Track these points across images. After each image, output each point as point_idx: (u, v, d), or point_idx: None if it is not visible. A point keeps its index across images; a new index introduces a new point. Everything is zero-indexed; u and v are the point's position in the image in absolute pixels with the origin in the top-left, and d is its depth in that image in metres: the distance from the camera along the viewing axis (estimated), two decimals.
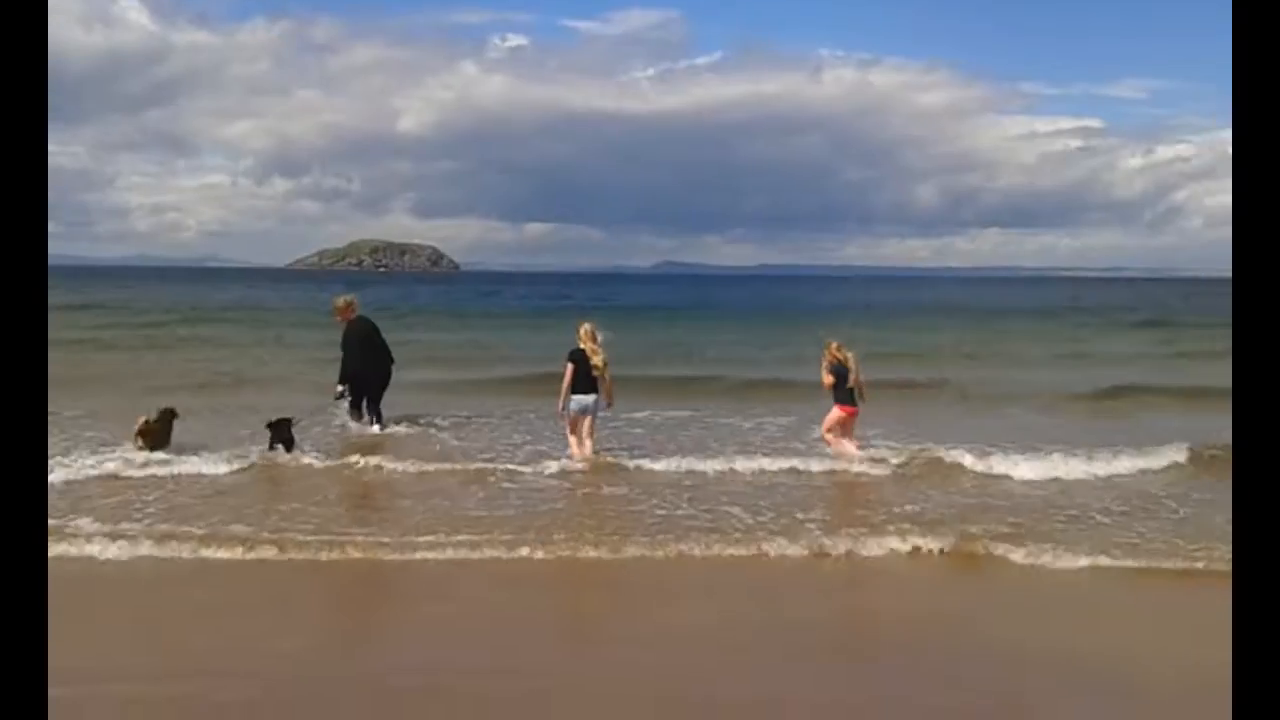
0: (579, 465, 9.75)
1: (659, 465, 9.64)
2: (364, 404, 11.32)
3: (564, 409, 10.00)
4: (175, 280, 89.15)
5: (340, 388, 11.21)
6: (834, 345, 10.32)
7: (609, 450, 10.32)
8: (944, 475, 9.40)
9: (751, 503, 8.26)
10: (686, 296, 69.68)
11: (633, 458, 10.01)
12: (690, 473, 9.38)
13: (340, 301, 11.61)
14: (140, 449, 9.49)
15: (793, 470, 9.52)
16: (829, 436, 10.31)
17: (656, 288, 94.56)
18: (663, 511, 7.97)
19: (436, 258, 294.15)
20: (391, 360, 11.57)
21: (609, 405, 10.25)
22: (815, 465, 9.72)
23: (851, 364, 10.22)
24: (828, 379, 10.25)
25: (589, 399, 9.94)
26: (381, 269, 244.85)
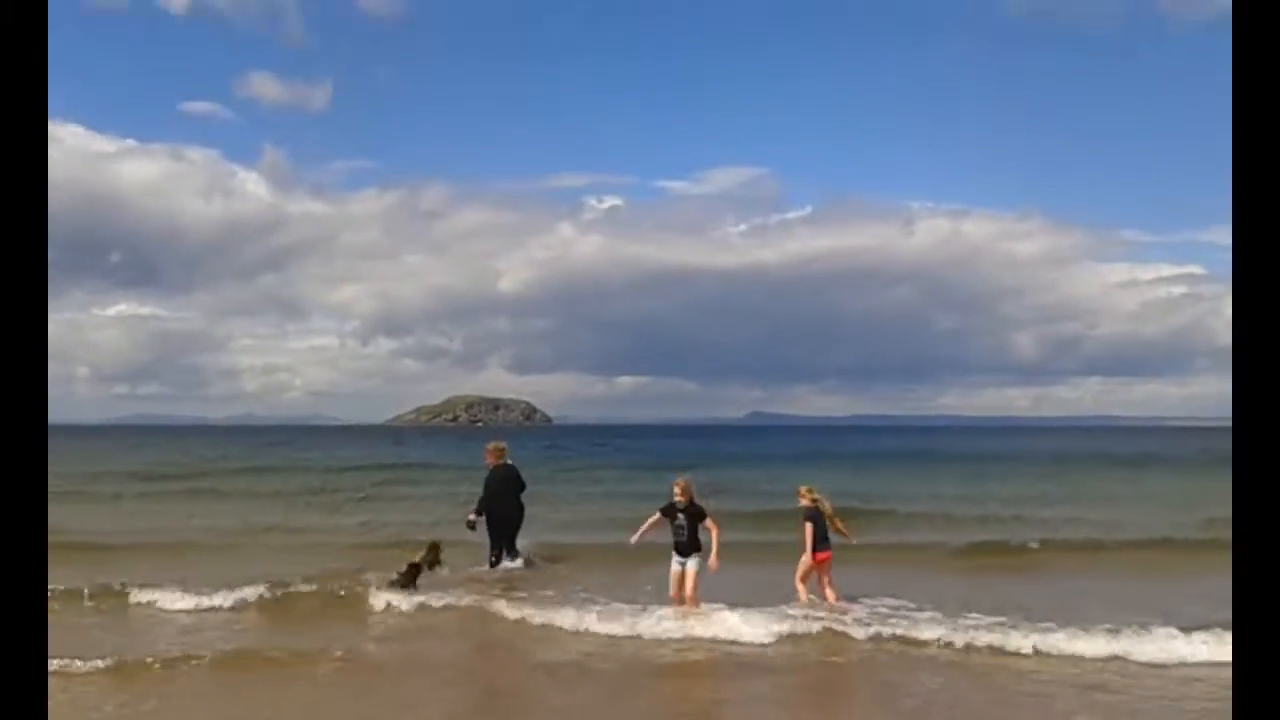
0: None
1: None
2: (499, 542, 12.34)
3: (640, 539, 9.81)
4: (303, 437, 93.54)
5: (472, 517, 12.38)
6: (804, 490, 10.02)
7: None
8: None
9: None
10: (768, 447, 67.60)
11: None
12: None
13: (490, 446, 12.84)
14: (401, 576, 10.70)
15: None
16: (801, 586, 9.85)
17: (731, 441, 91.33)
18: None
19: (530, 412, 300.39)
20: (522, 508, 12.58)
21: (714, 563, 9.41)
22: None
23: (826, 507, 9.93)
24: (807, 528, 9.74)
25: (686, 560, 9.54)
26: (477, 423, 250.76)
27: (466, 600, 10.07)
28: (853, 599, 9.90)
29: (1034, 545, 14.36)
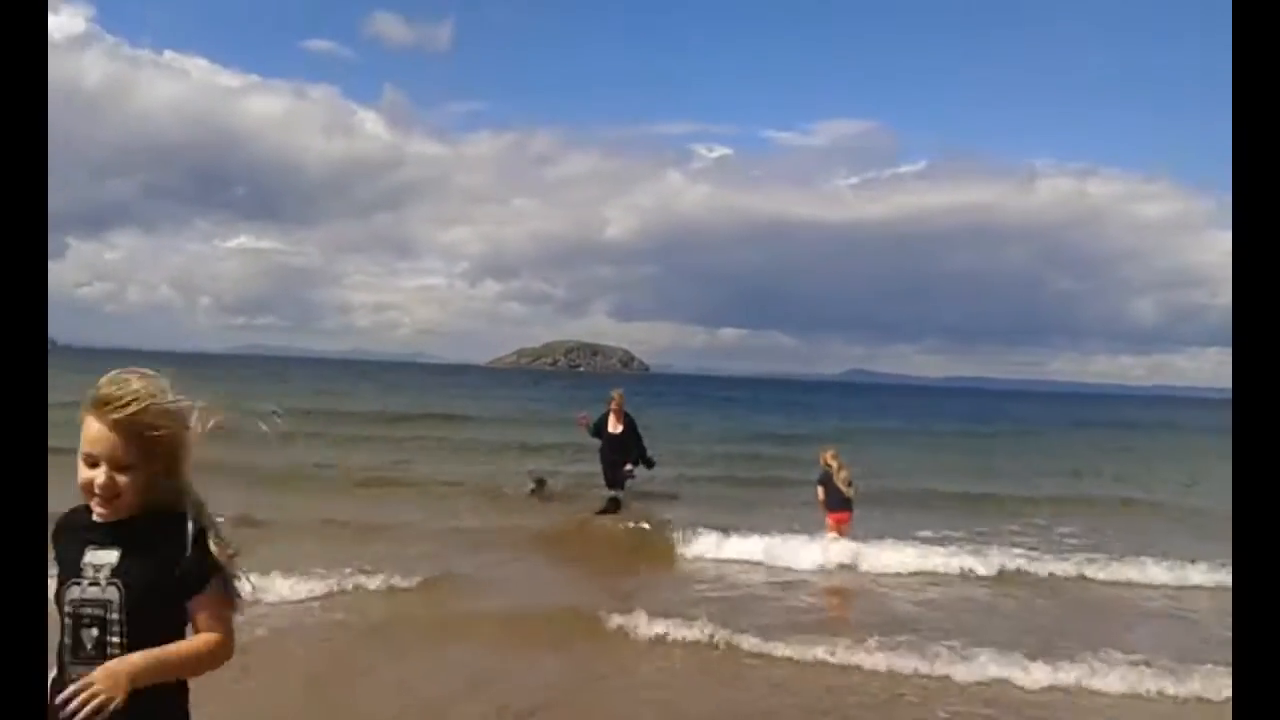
0: None
1: None
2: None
3: None
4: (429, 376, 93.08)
5: (629, 466, 13.16)
6: (827, 454, 10.53)
7: None
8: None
9: None
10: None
11: None
12: None
13: (619, 394, 13.31)
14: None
15: None
16: (827, 536, 10.32)
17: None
18: None
19: (628, 359, 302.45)
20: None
21: None
22: None
23: (841, 474, 10.32)
24: (819, 491, 10.49)
25: None
26: (576, 368, 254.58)
27: None
28: None
29: None
